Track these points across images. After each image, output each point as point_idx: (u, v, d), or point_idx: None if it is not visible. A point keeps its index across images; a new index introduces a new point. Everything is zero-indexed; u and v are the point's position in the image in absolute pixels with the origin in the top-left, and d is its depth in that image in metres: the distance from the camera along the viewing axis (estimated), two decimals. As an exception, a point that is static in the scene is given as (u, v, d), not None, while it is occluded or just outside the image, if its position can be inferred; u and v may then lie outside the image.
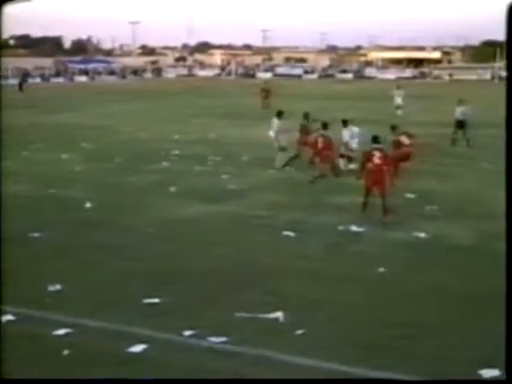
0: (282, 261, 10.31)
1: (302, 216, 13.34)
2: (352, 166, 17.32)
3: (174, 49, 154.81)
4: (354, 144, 18.72)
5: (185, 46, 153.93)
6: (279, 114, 19.78)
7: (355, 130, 19.10)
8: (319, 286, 9.15)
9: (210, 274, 9.63)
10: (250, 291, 8.88)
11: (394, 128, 18.00)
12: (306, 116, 20.20)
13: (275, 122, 19.62)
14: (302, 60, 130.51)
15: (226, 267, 9.99)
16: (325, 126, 17.56)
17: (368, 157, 13.39)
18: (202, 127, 30.37)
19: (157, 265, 10.11)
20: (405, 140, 17.69)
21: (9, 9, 4.38)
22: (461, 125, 24.58)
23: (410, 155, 17.49)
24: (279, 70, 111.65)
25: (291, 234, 11.91)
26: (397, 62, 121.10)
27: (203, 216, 13.41)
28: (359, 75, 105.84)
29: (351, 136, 18.86)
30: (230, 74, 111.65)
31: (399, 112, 36.40)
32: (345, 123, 19.16)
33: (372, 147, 13.59)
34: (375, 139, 13.74)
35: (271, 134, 19.73)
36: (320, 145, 17.21)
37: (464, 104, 25.36)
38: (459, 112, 24.77)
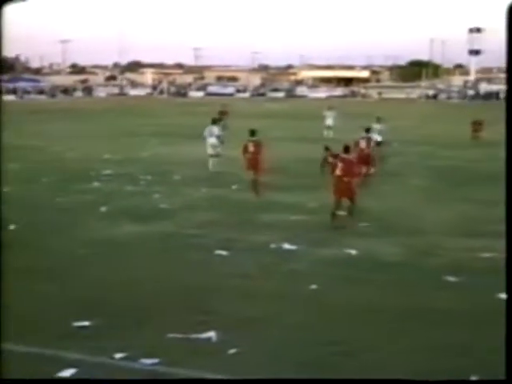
0: (215, 280, 10.26)
1: (234, 234, 13.33)
2: None
3: (104, 67, 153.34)
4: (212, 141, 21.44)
5: (116, 65, 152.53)
6: (214, 121, 22.08)
7: (215, 129, 21.70)
8: (252, 304, 9.14)
9: (141, 295, 9.51)
10: (182, 311, 8.80)
11: (326, 148, 19.37)
12: (252, 133, 20.31)
13: (213, 128, 21.62)
14: (234, 79, 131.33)
15: (158, 287, 9.88)
16: (252, 133, 18.93)
17: (333, 167, 14.29)
18: (134, 146, 30.12)
19: (86, 286, 9.92)
20: (330, 159, 18.20)
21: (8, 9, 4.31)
22: (377, 143, 24.36)
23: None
24: (211, 89, 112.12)
25: (224, 252, 11.89)
26: (327, 81, 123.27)
27: (134, 236, 13.26)
28: (290, 94, 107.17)
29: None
30: (161, 92, 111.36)
31: (330, 133, 36.46)
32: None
33: (341, 157, 14.33)
34: (346, 149, 14.43)
35: (212, 140, 21.40)
36: (251, 149, 18.28)
37: (382, 122, 25.97)
38: (376, 130, 24.84)
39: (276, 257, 11.77)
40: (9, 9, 4.08)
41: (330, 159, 18.15)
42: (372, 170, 20.03)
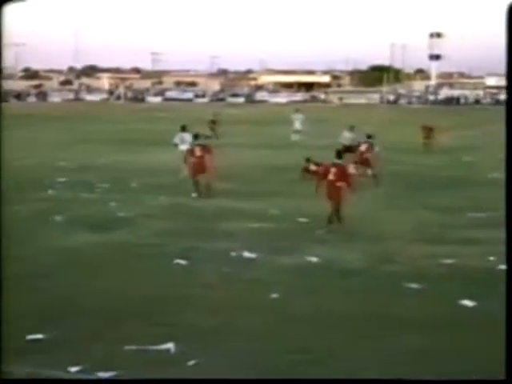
0: (174, 290, 10.23)
1: (193, 243, 13.31)
2: None
3: (59, 72, 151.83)
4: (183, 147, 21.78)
5: (71, 69, 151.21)
6: (184, 128, 23.03)
7: (186, 135, 22.26)
8: (212, 314, 9.12)
9: (98, 306, 9.43)
10: (140, 322, 8.75)
11: (307, 160, 21.29)
12: (195, 137, 20.76)
13: (184, 135, 22.56)
14: (193, 84, 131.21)
15: (115, 298, 9.81)
16: (196, 137, 20.24)
17: (324, 172, 14.81)
18: (90, 153, 29.87)
19: (40, 298, 9.80)
20: (312, 167, 20.53)
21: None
22: (349, 150, 24.38)
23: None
24: (169, 94, 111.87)
25: (183, 261, 11.86)
26: (288, 86, 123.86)
27: (91, 246, 13.15)
28: (250, 99, 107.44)
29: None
30: (118, 98, 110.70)
31: (296, 137, 36.89)
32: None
33: (332, 162, 14.84)
34: (338, 154, 15.03)
35: (184, 147, 21.75)
36: (198, 153, 19.07)
37: (354, 130, 26.42)
38: (349, 137, 25.69)
39: (236, 265, 11.78)
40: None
41: (313, 167, 20.33)
42: (370, 172, 21.48)
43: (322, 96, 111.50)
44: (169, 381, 6.36)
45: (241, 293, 10.19)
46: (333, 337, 8.36)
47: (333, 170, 14.62)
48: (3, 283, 9.34)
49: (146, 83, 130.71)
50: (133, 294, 10.04)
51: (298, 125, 37.94)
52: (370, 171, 21.54)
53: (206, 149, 19.31)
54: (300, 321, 8.94)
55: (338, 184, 14.51)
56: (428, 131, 32.95)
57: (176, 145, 22.96)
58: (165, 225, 15.08)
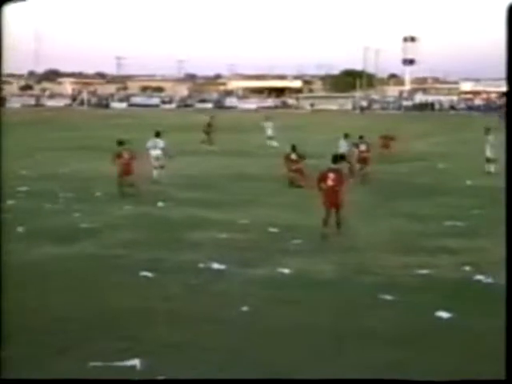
0: (140, 303, 10.18)
1: (160, 254, 13.28)
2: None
3: (19, 76, 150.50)
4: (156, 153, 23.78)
5: (31, 74, 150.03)
6: (158, 134, 24.10)
7: (159, 141, 24.01)
8: (180, 328, 9.11)
9: (61, 321, 9.36)
10: (104, 338, 8.70)
11: (293, 147, 23.83)
12: (120, 143, 22.07)
13: (157, 140, 23.74)
14: (159, 89, 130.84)
15: (79, 313, 9.74)
16: (121, 143, 21.58)
17: (323, 177, 15.20)
18: (53, 162, 29.66)
19: (3, 313, 9.69)
20: (293, 156, 23.75)
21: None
22: (342, 158, 25.40)
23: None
24: (135, 100, 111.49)
25: (149, 274, 11.82)
26: (258, 91, 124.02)
27: (54, 258, 13.04)
28: (219, 105, 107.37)
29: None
30: (81, 103, 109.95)
31: (273, 143, 37.53)
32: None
33: (329, 167, 15.37)
34: (335, 160, 15.67)
35: (156, 152, 23.44)
36: (126, 156, 21.02)
37: (349, 138, 26.90)
38: (345, 146, 26.26)
39: (205, 277, 11.76)
40: None
41: (294, 157, 23.60)
42: (369, 169, 24.47)
43: (294, 102, 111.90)
44: (169, 381, 6.36)
45: (209, 306, 10.18)
46: (302, 351, 8.37)
47: (331, 175, 15.15)
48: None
49: (111, 88, 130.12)
50: (98, 308, 9.98)
51: (270, 131, 39.34)
52: (367, 169, 24.46)
53: (132, 153, 21.30)
54: (271, 334, 8.95)
55: (338, 189, 15.08)
56: (386, 141, 32.49)
57: (148, 149, 23.85)
58: (131, 235, 15.02)
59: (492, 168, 25.86)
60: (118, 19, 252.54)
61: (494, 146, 26.06)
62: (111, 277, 11.74)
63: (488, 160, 26.35)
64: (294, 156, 23.85)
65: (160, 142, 23.89)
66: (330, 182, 15.07)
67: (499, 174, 24.90)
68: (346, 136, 27.06)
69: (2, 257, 6.73)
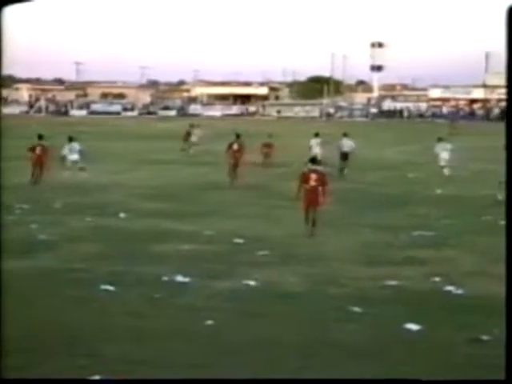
0: (100, 319, 10.10)
1: (122, 267, 13.19)
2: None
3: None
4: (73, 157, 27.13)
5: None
6: (71, 139, 27.05)
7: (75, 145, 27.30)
8: (142, 345, 9.05)
9: (17, 338, 9.25)
10: (63, 355, 8.60)
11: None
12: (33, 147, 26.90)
13: (74, 145, 26.54)
14: (121, 96, 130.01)
15: (36, 329, 9.64)
16: (34, 147, 25.87)
17: (305, 177, 16.42)
18: (7, 172, 29.25)
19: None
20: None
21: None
22: (345, 157, 29.79)
23: None
24: (95, 107, 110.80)
25: (111, 287, 11.74)
26: (223, 98, 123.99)
27: (8, 272, 12.85)
28: (183, 112, 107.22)
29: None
30: (39, 111, 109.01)
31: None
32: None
33: (309, 168, 16.60)
34: (313, 160, 17.00)
35: (74, 157, 26.65)
36: (38, 152, 25.49)
37: (348, 137, 30.30)
38: (345, 145, 29.89)
39: (168, 291, 11.71)
40: None
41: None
42: None
43: (260, 109, 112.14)
44: (169, 381, 6.32)
45: (173, 320, 10.14)
46: (268, 365, 8.36)
47: (313, 176, 16.35)
48: None
49: (70, 95, 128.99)
50: (56, 324, 9.88)
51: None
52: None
53: (44, 148, 25.87)
54: (237, 349, 8.95)
55: (319, 189, 16.28)
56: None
57: (64, 157, 27.08)
58: (91, 248, 14.91)
59: (446, 171, 29.03)
60: (78, 23, 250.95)
61: (446, 151, 29.61)
62: (70, 291, 11.62)
63: (442, 166, 29.47)
64: (236, 146, 27.14)
65: (76, 146, 26.82)
66: (312, 183, 16.27)
67: (468, 181, 25.13)
68: (346, 135, 30.71)
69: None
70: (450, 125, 57.30)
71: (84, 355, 8.60)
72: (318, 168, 17.16)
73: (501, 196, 22.65)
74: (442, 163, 29.44)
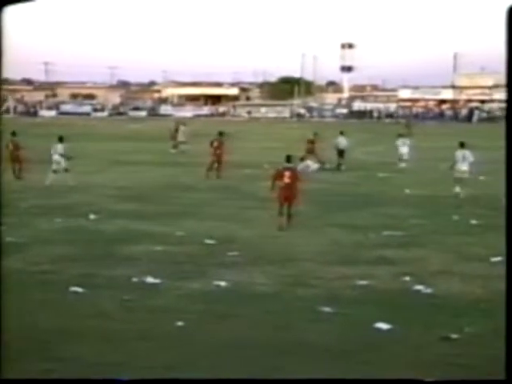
0: (69, 321, 9.99)
1: (92, 269, 13.08)
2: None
3: None
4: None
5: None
6: (61, 139, 26.38)
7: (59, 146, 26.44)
8: (112, 347, 8.97)
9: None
10: (29, 359, 8.49)
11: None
12: None
13: (58, 146, 26.05)
14: (91, 96, 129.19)
15: (3, 332, 9.51)
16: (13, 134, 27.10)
17: (279, 175, 17.31)
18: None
19: None
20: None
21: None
22: (341, 153, 32.08)
23: None
24: (65, 108, 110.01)
25: (80, 289, 11.62)
26: (194, 99, 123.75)
27: (-24, 275, 12.72)
28: (154, 113, 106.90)
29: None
30: (7, 112, 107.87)
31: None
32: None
33: (284, 166, 17.43)
34: (288, 159, 17.73)
35: (55, 157, 25.86)
36: (10, 147, 26.69)
37: (344, 135, 32.68)
38: (341, 143, 32.28)
39: (138, 292, 11.64)
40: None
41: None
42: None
43: (231, 109, 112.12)
44: (169, 381, 6.25)
45: (143, 322, 10.07)
46: (238, 367, 8.33)
47: (287, 173, 17.22)
48: None
49: (39, 95, 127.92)
50: (22, 327, 9.75)
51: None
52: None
53: (18, 145, 27.34)
54: (207, 350, 8.91)
55: (293, 186, 17.13)
56: (312, 146, 32.86)
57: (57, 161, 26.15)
58: (60, 250, 14.76)
59: (403, 164, 32.67)
60: (46, 23, 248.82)
61: (404, 147, 33.39)
62: (38, 293, 11.49)
63: (399, 158, 33.16)
64: (216, 143, 28.80)
65: (60, 147, 26.38)
66: (286, 180, 17.12)
67: (437, 183, 25.30)
68: (342, 133, 33.03)
69: None
70: (405, 125, 58.09)
71: (50, 359, 8.49)
72: (292, 166, 17.92)
73: (461, 191, 23.11)
74: (402, 157, 33.09)
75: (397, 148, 33.75)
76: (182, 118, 59.74)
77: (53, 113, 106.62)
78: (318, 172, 29.79)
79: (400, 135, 34.95)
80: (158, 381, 6.45)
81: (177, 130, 41.45)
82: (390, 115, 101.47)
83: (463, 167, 23.63)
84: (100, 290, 11.74)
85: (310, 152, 31.85)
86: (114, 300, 11.14)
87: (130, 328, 9.81)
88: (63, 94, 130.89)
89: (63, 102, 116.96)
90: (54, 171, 25.74)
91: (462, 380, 7.12)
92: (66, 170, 25.60)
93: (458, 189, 23.10)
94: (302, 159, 29.77)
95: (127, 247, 15.04)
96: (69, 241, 15.75)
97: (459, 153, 23.95)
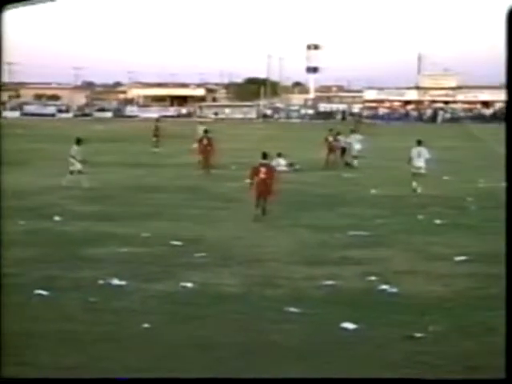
0: (32, 325, 9.86)
1: (56, 272, 12.95)
2: None
3: None
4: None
5: None
6: (78, 142, 26.26)
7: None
8: (76, 350, 8.86)
9: None
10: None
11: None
12: None
13: (74, 147, 26.02)
14: (55, 97, 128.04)
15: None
16: None
17: (255, 171, 18.48)
18: None
19: None
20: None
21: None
22: (343, 150, 34.24)
23: None
24: (29, 109, 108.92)
25: (44, 292, 11.50)
26: (160, 100, 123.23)
27: None
28: (119, 114, 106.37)
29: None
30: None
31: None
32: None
33: (260, 163, 18.74)
34: (264, 156, 19.06)
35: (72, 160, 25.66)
36: None
37: (345, 135, 34.64)
38: (342, 141, 34.44)
39: (104, 294, 11.54)
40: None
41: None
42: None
43: (197, 110, 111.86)
44: (169, 380, 6.19)
45: (109, 324, 10.00)
46: (205, 368, 8.30)
47: (262, 169, 18.44)
48: None
49: (2, 96, 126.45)
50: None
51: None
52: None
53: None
54: (174, 352, 8.88)
55: (269, 181, 18.30)
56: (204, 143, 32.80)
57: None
58: (24, 252, 14.56)
59: (355, 162, 33.62)
60: (8, 23, 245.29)
61: (358, 143, 34.41)
62: (1, 297, 11.35)
63: (353, 156, 34.04)
64: (205, 141, 30.52)
65: (75, 149, 26.10)
66: (261, 175, 18.30)
67: (401, 184, 25.47)
68: (339, 133, 35.00)
69: None
70: (355, 122, 59.31)
71: (13, 363, 8.36)
72: (267, 162, 19.33)
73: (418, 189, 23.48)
74: (354, 153, 34.06)
75: (350, 144, 34.60)
76: (147, 120, 59.56)
77: (16, 114, 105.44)
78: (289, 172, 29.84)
79: (352, 131, 36.20)
80: (158, 380, 6.42)
81: (157, 129, 41.84)
82: (354, 116, 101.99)
83: (419, 163, 24.76)
84: (65, 292, 11.62)
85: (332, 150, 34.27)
86: (79, 302, 11.04)
87: (95, 330, 9.73)
88: (27, 94, 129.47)
89: (27, 103, 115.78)
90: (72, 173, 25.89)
91: (462, 380, 7.18)
92: (80, 172, 25.67)
93: (414, 184, 23.82)
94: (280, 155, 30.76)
95: (92, 249, 14.92)
96: (33, 243, 15.57)
97: (415, 150, 25.16)
